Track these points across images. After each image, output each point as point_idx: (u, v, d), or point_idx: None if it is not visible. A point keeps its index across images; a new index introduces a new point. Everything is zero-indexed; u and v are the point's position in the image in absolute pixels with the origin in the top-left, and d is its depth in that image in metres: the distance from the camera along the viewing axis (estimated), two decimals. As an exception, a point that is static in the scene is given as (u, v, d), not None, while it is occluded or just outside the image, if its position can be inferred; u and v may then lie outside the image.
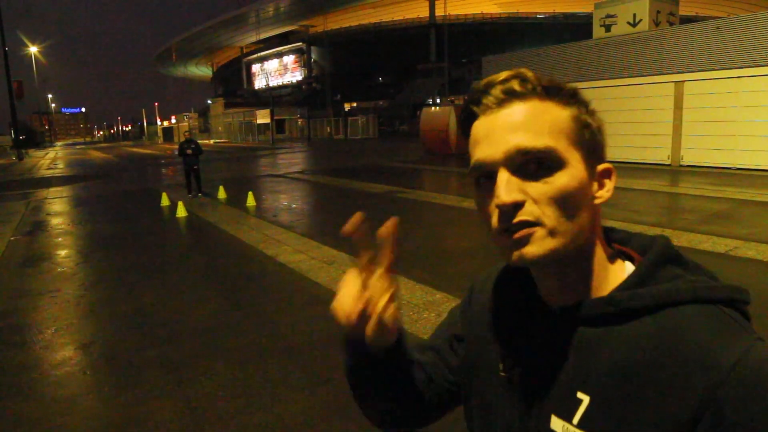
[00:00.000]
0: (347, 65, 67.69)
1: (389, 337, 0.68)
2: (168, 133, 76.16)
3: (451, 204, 10.31)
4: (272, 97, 60.16)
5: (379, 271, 0.64)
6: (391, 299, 0.64)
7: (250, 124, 55.20)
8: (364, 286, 0.64)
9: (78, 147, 76.71)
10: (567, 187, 0.60)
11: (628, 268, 0.66)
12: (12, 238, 8.95)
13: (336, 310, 0.66)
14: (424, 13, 59.58)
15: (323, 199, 12.93)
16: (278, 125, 53.18)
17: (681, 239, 6.64)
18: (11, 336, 4.66)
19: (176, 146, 18.66)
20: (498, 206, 0.60)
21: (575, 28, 48.61)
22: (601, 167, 0.65)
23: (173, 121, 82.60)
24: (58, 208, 12.67)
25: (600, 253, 0.66)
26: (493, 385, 0.73)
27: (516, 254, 0.61)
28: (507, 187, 0.59)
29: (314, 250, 7.08)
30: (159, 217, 10.81)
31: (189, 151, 12.75)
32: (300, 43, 73.65)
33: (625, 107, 15.53)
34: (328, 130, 51.01)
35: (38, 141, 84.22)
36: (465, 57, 51.86)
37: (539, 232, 0.60)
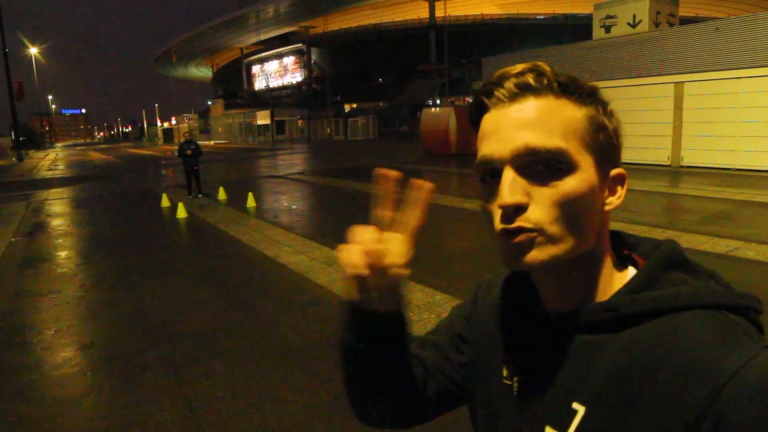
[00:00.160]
0: (347, 66, 67.72)
1: (395, 303, 0.64)
2: (168, 134, 76.16)
3: (452, 205, 10.31)
4: (272, 98, 60.25)
5: (401, 235, 0.60)
6: (406, 264, 0.59)
7: (250, 125, 55.19)
8: (380, 240, 0.58)
9: (78, 148, 76.77)
10: (575, 192, 0.57)
11: (632, 274, 0.64)
12: (12, 239, 8.95)
13: (343, 258, 0.58)
14: (424, 14, 59.63)
15: (323, 200, 12.93)
16: (278, 126, 53.18)
17: (681, 240, 6.61)
18: (11, 337, 4.67)
19: (176, 147, 18.66)
20: (500, 207, 0.58)
21: (575, 29, 48.65)
22: (614, 172, 0.62)
23: (173, 122, 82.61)
24: (58, 209, 12.68)
25: (605, 259, 0.63)
26: (496, 390, 0.70)
27: (515, 259, 0.58)
28: (511, 188, 0.57)
29: (314, 251, 7.08)
30: (159, 218, 10.81)
31: (189, 152, 12.74)
32: (300, 44, 73.67)
33: (625, 108, 15.50)
34: (328, 131, 51.00)
35: (38, 142, 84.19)
36: (465, 58, 51.93)
37: (540, 237, 0.57)
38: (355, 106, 62.21)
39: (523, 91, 0.59)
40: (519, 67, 0.60)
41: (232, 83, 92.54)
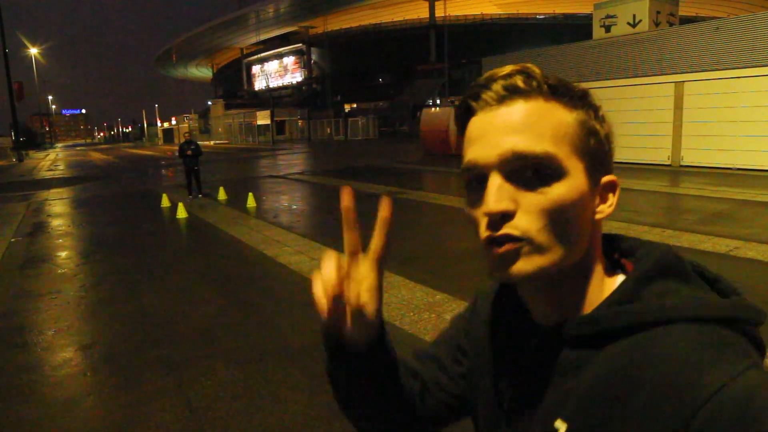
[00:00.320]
0: (347, 66, 67.73)
1: (370, 332, 0.62)
2: (168, 134, 76.14)
3: (452, 204, 10.30)
4: (272, 98, 60.28)
5: (367, 259, 0.58)
6: (375, 290, 0.58)
7: (250, 125, 55.18)
8: (345, 270, 0.57)
9: (78, 148, 76.77)
10: (564, 199, 0.54)
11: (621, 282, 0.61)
12: (12, 240, 8.95)
13: (314, 295, 0.58)
14: (424, 14, 59.63)
15: (323, 200, 12.93)
16: (278, 126, 53.19)
17: (681, 239, 6.63)
18: (12, 337, 4.66)
19: (176, 147, 18.67)
20: (486, 214, 0.55)
21: (575, 28, 48.61)
22: (605, 179, 0.59)
23: (173, 122, 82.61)
24: (58, 209, 12.68)
25: (596, 269, 0.61)
26: (490, 405, 0.69)
27: (501, 270, 0.56)
28: (497, 195, 0.54)
29: (314, 250, 7.08)
30: (159, 218, 10.81)
31: (189, 152, 12.74)
32: (300, 44, 73.66)
33: (625, 108, 15.52)
34: (328, 131, 51.00)
35: (38, 142, 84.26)
36: (465, 58, 51.88)
37: (527, 247, 0.54)
38: (355, 106, 62.20)
39: (512, 93, 0.57)
40: (507, 69, 0.58)
41: (232, 83, 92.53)
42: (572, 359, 0.58)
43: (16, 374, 3.92)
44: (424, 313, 4.61)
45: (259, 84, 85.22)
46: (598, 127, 0.59)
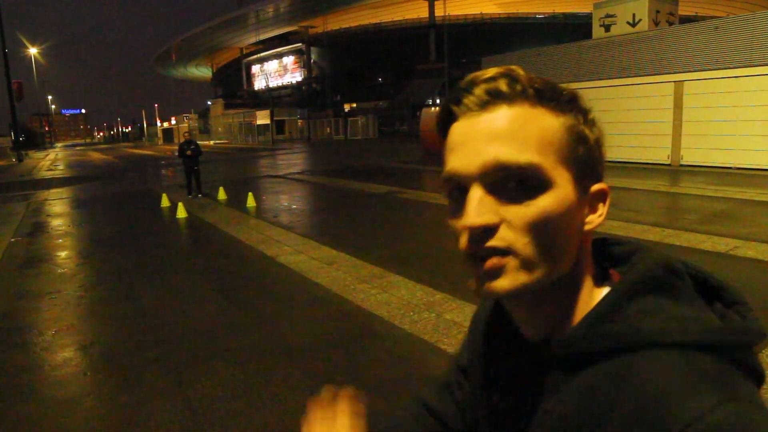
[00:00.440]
0: (347, 66, 67.71)
1: None
2: (168, 134, 76.17)
3: (451, 204, 10.29)
4: (272, 98, 60.18)
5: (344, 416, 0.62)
6: None
7: (250, 125, 55.20)
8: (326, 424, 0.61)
9: (78, 148, 76.77)
10: (550, 211, 0.51)
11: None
12: (12, 240, 8.95)
13: None
14: (423, 13, 59.56)
15: (323, 200, 12.92)
16: (278, 126, 53.19)
17: (681, 239, 6.64)
18: (11, 337, 4.67)
19: (176, 147, 18.68)
20: (466, 228, 0.52)
21: (575, 28, 48.65)
22: (595, 188, 0.56)
23: (173, 122, 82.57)
24: (58, 209, 12.68)
25: (585, 281, 0.57)
26: (485, 424, 0.67)
27: (484, 286, 0.53)
28: (478, 208, 0.52)
29: (314, 250, 7.08)
30: (159, 218, 10.81)
31: (189, 152, 12.75)
32: (300, 44, 73.63)
33: (624, 107, 15.52)
34: (328, 130, 51.01)
35: (38, 142, 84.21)
36: (465, 57, 51.83)
37: (512, 262, 0.52)
38: (354, 105, 62.23)
39: (495, 98, 0.53)
40: (490, 72, 0.55)
41: (232, 83, 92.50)
42: (552, 379, 0.55)
43: (15, 374, 3.92)
44: (424, 312, 4.61)
45: (258, 84, 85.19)
46: (587, 132, 0.55)
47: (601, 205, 0.57)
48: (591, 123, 0.56)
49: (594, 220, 0.56)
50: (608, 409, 0.48)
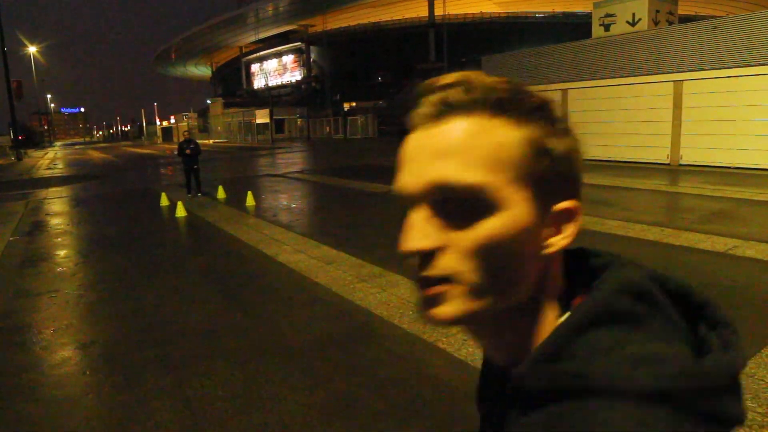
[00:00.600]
0: (346, 65, 67.68)
1: None
2: (167, 133, 76.12)
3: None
4: (271, 97, 60.17)
5: None
6: None
7: (250, 123, 55.18)
8: None
9: (77, 147, 76.69)
10: (498, 235, 0.47)
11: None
12: (11, 239, 8.94)
13: None
14: (423, 12, 59.44)
15: (323, 199, 12.92)
16: (277, 125, 53.18)
17: (680, 238, 6.64)
18: (11, 336, 4.66)
19: (175, 146, 18.68)
20: (405, 252, 0.48)
21: (574, 27, 48.63)
22: (559, 207, 0.49)
23: (172, 121, 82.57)
24: (57, 208, 12.66)
25: (547, 307, 0.52)
26: None
27: (426, 312, 0.49)
28: (417, 231, 0.48)
29: (314, 249, 7.08)
30: (158, 217, 10.80)
31: (188, 151, 12.75)
32: (299, 43, 73.54)
33: (623, 107, 15.53)
34: (328, 129, 51.00)
35: (37, 141, 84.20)
36: (464, 56, 51.79)
37: (456, 289, 0.48)
38: (354, 104, 62.19)
39: (449, 109, 0.48)
40: (448, 78, 0.50)
41: (232, 82, 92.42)
42: (510, 415, 0.50)
43: (15, 373, 3.92)
44: (424, 312, 4.61)
45: (258, 83, 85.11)
46: (554, 144, 0.49)
47: (568, 226, 0.50)
48: (561, 133, 0.50)
49: (557, 242, 0.50)
50: None
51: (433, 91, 0.50)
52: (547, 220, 0.49)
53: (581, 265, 0.55)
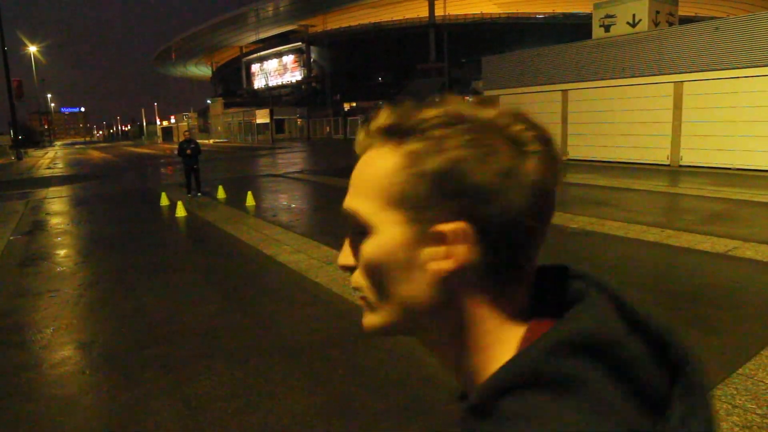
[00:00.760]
0: (347, 65, 67.70)
1: None
2: (167, 132, 76.18)
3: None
4: (272, 97, 60.21)
5: None
6: None
7: (250, 123, 55.18)
8: None
9: (77, 146, 76.71)
10: (372, 257, 0.50)
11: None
12: (11, 238, 8.94)
13: None
14: (423, 13, 59.61)
15: (322, 199, 12.92)
16: (278, 125, 53.17)
17: (680, 239, 6.64)
18: (10, 336, 4.66)
19: (175, 146, 18.70)
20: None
21: (575, 28, 48.58)
22: (435, 229, 0.47)
23: (172, 120, 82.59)
24: (57, 207, 12.66)
25: (489, 338, 0.49)
26: None
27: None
28: (343, 250, 0.54)
29: (314, 249, 7.08)
30: (158, 216, 10.80)
31: (188, 151, 12.75)
32: (299, 43, 73.59)
33: (624, 107, 15.54)
34: (328, 129, 51.00)
35: (37, 140, 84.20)
36: (465, 57, 51.84)
37: (365, 303, 0.53)
38: (354, 104, 62.19)
39: (366, 140, 0.53)
40: (380, 110, 0.52)
41: (232, 82, 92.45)
42: None
43: (14, 373, 3.92)
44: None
45: (258, 83, 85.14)
46: (436, 163, 0.46)
47: (450, 248, 0.47)
48: (448, 149, 0.46)
49: (440, 265, 0.47)
50: None
51: (364, 125, 0.54)
52: (426, 241, 0.48)
53: (558, 287, 0.51)
